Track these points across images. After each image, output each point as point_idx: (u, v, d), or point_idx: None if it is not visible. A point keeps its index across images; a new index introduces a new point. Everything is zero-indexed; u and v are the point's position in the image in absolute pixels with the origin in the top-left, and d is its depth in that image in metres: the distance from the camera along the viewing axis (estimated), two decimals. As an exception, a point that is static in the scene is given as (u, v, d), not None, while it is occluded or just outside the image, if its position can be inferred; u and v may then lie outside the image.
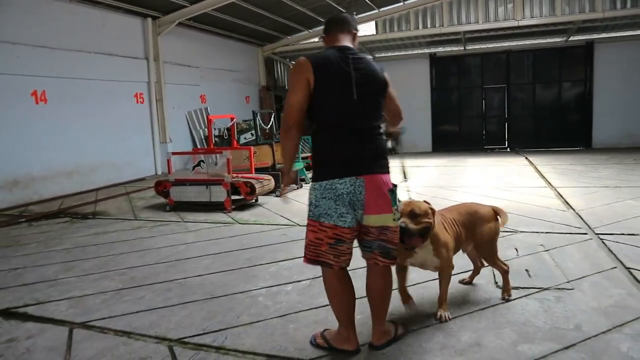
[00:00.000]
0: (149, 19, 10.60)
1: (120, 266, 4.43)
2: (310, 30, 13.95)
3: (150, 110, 10.80)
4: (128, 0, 9.74)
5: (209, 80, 12.71)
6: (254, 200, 6.95)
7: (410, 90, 14.23)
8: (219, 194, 6.59)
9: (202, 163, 7.26)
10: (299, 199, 6.58)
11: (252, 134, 10.95)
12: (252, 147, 7.73)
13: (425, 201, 2.81)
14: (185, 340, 2.86)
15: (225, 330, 2.96)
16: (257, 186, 6.51)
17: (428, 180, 8.75)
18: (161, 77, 10.90)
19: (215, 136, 10.79)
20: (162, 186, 7.01)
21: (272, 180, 6.99)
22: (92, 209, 7.41)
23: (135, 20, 10.46)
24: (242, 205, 6.86)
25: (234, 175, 6.75)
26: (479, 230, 3.12)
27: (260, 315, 3.15)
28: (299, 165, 8.12)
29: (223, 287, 3.72)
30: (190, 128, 12.10)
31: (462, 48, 14.29)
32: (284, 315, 3.13)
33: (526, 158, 11.58)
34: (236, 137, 9.03)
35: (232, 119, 7.92)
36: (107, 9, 9.66)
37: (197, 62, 12.03)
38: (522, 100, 14.29)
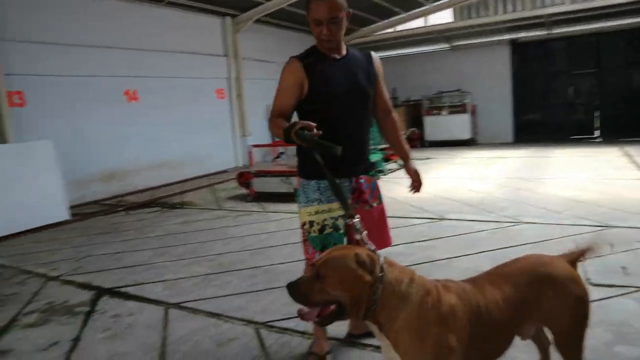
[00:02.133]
0: (228, 18, 11.05)
1: (208, 253, 4.71)
2: (384, 21, 13.79)
3: (230, 105, 11.27)
4: (208, 1, 10.20)
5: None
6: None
7: (489, 79, 13.66)
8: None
9: (282, 155, 7.47)
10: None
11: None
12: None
13: (370, 254, 1.59)
14: (271, 323, 3.00)
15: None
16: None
17: (509, 172, 8.39)
18: (240, 73, 11.33)
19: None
20: (244, 177, 7.31)
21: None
22: (180, 199, 7.90)
23: (215, 19, 10.94)
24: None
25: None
26: (551, 308, 1.75)
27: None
28: (376, 157, 8.09)
29: (304, 275, 3.84)
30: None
31: (546, 32, 13.44)
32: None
33: (621, 148, 10.72)
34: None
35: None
36: (189, 11, 10.21)
37: (273, 57, 12.35)
38: (615, 86, 13.16)
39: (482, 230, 4.76)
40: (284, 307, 3.19)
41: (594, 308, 2.01)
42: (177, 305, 3.43)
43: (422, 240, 4.55)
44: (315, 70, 2.21)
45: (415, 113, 14.36)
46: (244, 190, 7.55)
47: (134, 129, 9.15)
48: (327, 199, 2.26)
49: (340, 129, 2.24)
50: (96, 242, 5.47)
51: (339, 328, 2.70)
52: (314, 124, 1.90)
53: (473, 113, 13.70)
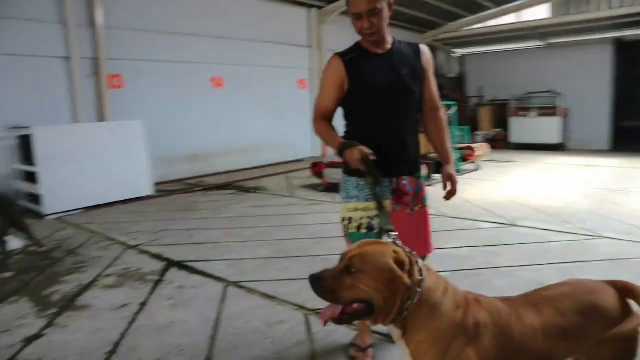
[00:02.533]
0: (314, 9, 11.22)
1: (273, 237, 4.88)
2: (474, 16, 13.25)
3: (310, 95, 11.47)
4: (295, -8, 10.45)
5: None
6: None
7: (586, 81, 12.67)
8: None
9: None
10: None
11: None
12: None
13: (408, 254, 1.49)
14: (320, 311, 3.06)
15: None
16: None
17: (598, 182, 7.75)
18: (322, 64, 11.47)
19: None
20: (317, 167, 7.45)
21: (425, 169, 6.95)
22: (255, 184, 8.22)
23: (301, 10, 11.15)
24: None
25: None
26: (596, 344, 1.55)
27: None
28: (455, 155, 7.87)
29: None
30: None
31: (658, 30, 12.15)
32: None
33: None
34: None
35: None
36: (278, 1, 10.50)
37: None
38: None
39: (554, 241, 4.48)
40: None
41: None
42: (236, 284, 3.61)
43: (488, 246, 4.38)
44: (357, 67, 2.17)
45: (501, 113, 13.71)
46: (317, 180, 7.69)
47: (217, 114, 9.63)
48: (365, 197, 2.22)
49: (382, 127, 2.20)
50: (174, 217, 5.87)
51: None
52: (370, 152, 1.98)
53: (565, 116, 12.81)
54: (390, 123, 2.22)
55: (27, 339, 2.87)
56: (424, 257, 2.24)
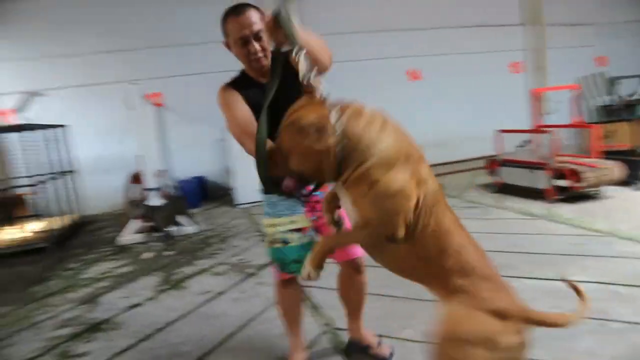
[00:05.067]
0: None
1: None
2: None
3: (525, 80, 10.08)
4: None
5: (607, 38, 10.51)
6: (593, 191, 5.58)
7: None
8: (540, 179, 5.68)
9: (527, 143, 6.38)
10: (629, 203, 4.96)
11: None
12: (597, 125, 6.13)
13: (319, 116, 1.42)
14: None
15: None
16: (586, 174, 5.22)
17: None
18: (543, 42, 9.90)
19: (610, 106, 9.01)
20: (491, 165, 6.65)
21: (619, 168, 5.39)
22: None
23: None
24: (573, 197, 5.60)
25: (562, 159, 5.64)
26: None
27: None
28: None
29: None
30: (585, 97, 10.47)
31: None
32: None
33: None
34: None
35: (575, 89, 6.46)
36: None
37: (590, 17, 10.18)
38: None
39: None
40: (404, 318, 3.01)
41: None
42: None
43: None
44: (251, 99, 2.01)
45: None
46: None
47: (413, 108, 9.49)
48: (276, 213, 2.16)
49: None
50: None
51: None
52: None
53: None
54: None
55: (130, 306, 3.69)
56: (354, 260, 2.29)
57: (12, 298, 4.22)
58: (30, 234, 5.98)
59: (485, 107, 9.84)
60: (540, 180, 5.67)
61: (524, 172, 5.94)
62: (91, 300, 3.95)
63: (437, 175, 7.68)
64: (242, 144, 1.97)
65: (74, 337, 3.24)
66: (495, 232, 4.64)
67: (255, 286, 3.86)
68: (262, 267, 4.31)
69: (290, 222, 2.12)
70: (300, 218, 2.13)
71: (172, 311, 3.49)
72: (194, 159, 8.43)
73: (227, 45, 2.02)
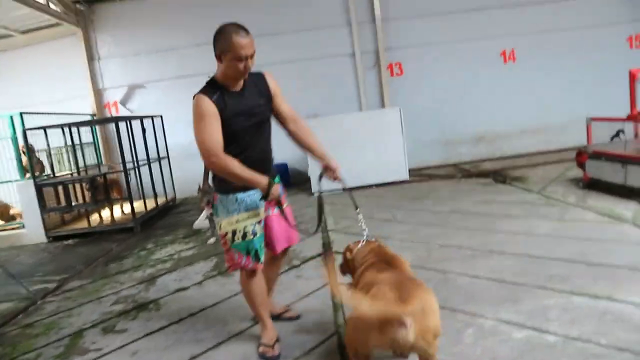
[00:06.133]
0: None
1: (438, 241, 4.47)
2: None
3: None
4: None
5: None
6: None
7: None
8: (633, 176, 4.96)
9: (621, 133, 5.55)
10: None
11: None
12: None
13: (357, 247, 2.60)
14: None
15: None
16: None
17: None
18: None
19: None
20: (580, 157, 5.95)
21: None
22: (520, 173, 7.26)
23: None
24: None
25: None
26: None
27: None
28: None
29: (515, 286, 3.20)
30: None
31: None
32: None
33: None
34: None
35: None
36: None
37: None
38: None
39: None
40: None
41: None
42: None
43: None
44: (225, 105, 2.35)
45: None
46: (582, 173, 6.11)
47: (509, 90, 8.85)
48: (244, 208, 2.52)
49: (253, 149, 2.53)
50: (395, 205, 6.10)
51: None
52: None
53: None
54: (259, 144, 2.58)
55: (178, 289, 4.02)
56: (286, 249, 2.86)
57: (92, 273, 4.81)
58: (121, 215, 6.72)
59: (597, 88, 8.76)
60: (634, 177, 4.95)
61: (614, 167, 5.23)
62: (150, 280, 4.37)
63: (524, 166, 7.04)
64: (203, 155, 2.34)
65: (122, 314, 3.63)
66: (566, 237, 4.14)
67: (294, 279, 3.95)
68: (305, 260, 4.38)
69: (255, 215, 2.53)
70: (262, 212, 2.57)
71: (211, 297, 3.72)
72: (275, 145, 8.72)
73: (219, 55, 2.32)
